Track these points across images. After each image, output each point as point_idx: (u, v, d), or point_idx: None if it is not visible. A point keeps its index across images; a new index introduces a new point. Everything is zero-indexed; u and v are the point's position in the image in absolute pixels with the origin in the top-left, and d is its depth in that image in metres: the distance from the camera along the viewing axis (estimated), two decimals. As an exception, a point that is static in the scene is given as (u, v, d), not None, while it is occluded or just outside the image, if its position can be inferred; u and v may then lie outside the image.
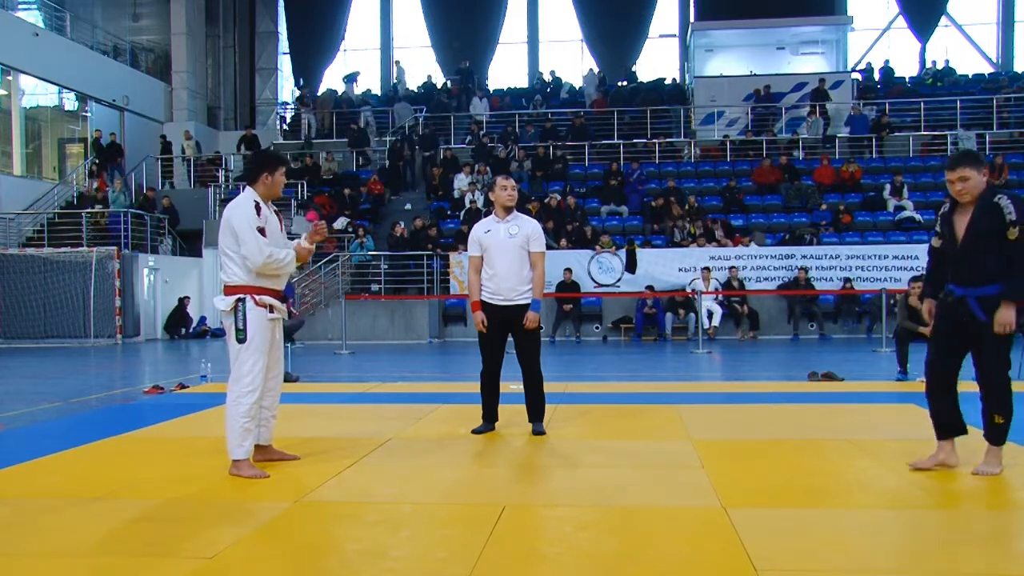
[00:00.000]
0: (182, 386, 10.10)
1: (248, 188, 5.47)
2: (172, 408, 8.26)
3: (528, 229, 6.43)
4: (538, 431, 6.56)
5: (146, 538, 4.11)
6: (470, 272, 6.58)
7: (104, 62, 25.78)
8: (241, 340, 5.25)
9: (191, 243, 22.42)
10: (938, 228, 5.25)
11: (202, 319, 21.04)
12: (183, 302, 20.51)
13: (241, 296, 5.28)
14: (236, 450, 5.28)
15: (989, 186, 5.06)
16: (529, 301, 6.39)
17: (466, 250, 17.45)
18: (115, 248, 19.26)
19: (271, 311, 5.34)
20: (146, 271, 20.18)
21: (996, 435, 5.07)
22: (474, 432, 6.60)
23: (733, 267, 17.82)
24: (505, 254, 6.37)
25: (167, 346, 18.42)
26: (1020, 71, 27.78)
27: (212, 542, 4.01)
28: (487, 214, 6.67)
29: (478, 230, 6.53)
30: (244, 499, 4.86)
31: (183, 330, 20.37)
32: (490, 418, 6.70)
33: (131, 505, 4.71)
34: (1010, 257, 4.87)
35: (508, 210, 6.47)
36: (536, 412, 6.61)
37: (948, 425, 5.21)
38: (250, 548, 3.97)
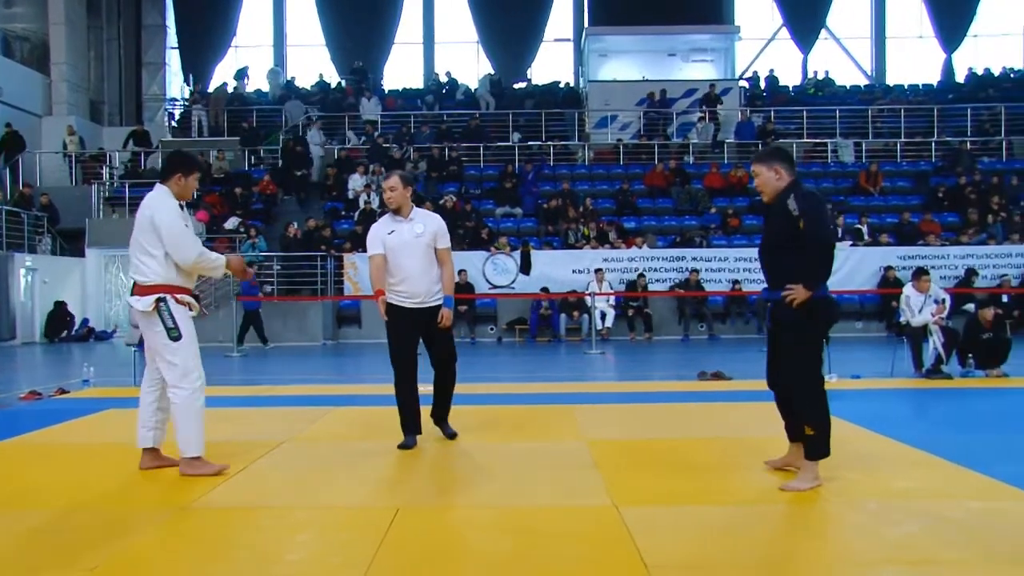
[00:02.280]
0: (62, 391, 9.69)
1: (160, 186, 5.42)
2: (51, 414, 7.91)
3: (434, 226, 6.24)
4: (450, 433, 6.42)
5: (22, 551, 3.94)
6: (372, 271, 6.22)
7: (-28, 49, 24.52)
8: (176, 338, 5.24)
9: (72, 243, 21.53)
10: None
11: (84, 321, 20.20)
12: (61, 306, 19.61)
13: (161, 296, 5.24)
14: (197, 447, 5.28)
15: (789, 186, 4.89)
16: (442, 300, 6.23)
17: (357, 251, 16.98)
18: (-12, 247, 18.37)
19: (190, 309, 5.37)
20: (23, 271, 19.27)
21: (809, 448, 4.83)
22: (401, 447, 6.10)
23: (641, 273, 18.11)
24: (414, 255, 6.12)
25: (46, 349, 17.65)
26: (892, 84, 29.11)
27: (94, 552, 3.87)
28: (382, 214, 6.48)
29: (379, 229, 6.23)
30: (129, 507, 4.71)
31: (64, 332, 19.50)
32: (414, 430, 6.22)
33: (7, 517, 4.51)
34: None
35: (407, 209, 6.21)
36: (446, 412, 6.46)
37: (789, 428, 5.13)
38: (135, 557, 3.85)
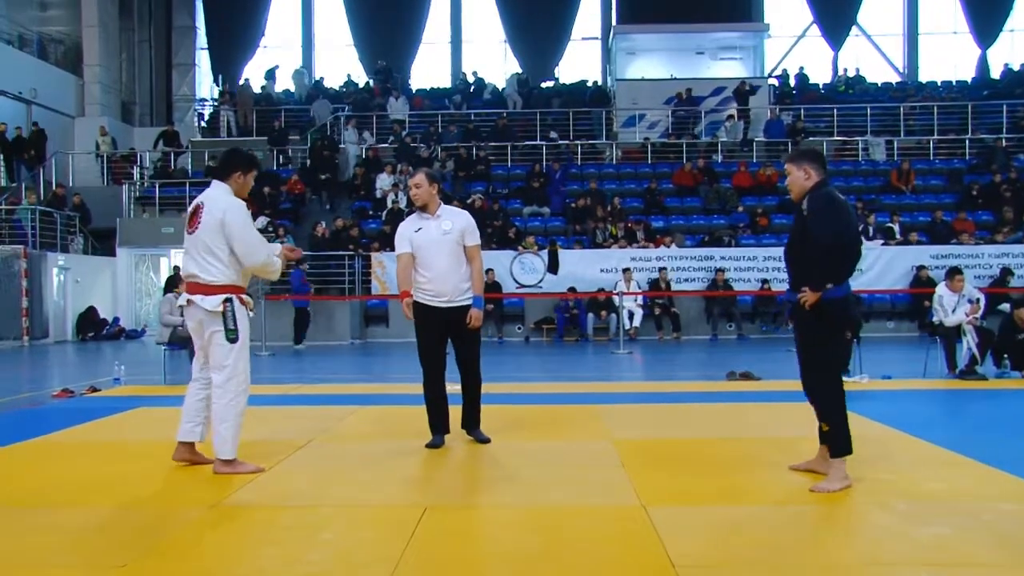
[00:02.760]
0: (93, 389, 9.80)
1: (221, 184, 5.48)
2: (83, 412, 8.01)
3: (462, 223, 6.16)
4: (481, 438, 6.33)
5: (52, 548, 3.98)
6: (399, 270, 6.23)
7: (8, 52, 24.85)
8: (233, 340, 5.33)
9: (104, 242, 21.81)
10: None
11: (115, 320, 20.45)
12: (91, 310, 19.86)
13: (228, 296, 5.32)
14: (232, 449, 5.34)
15: (815, 186, 4.92)
16: (472, 300, 6.17)
17: (385, 250, 17.02)
18: (22, 247, 18.61)
19: (249, 310, 5.47)
20: (55, 271, 19.54)
21: (830, 444, 4.89)
22: (428, 446, 6.15)
23: (663, 268, 18.05)
24: (441, 253, 6.06)
25: (78, 348, 17.88)
26: (924, 81, 28.78)
27: (124, 551, 3.91)
28: (410, 213, 6.47)
29: (407, 228, 6.20)
30: (158, 505, 4.76)
31: (93, 332, 19.72)
32: (442, 429, 6.25)
33: (38, 515, 4.56)
34: None
35: (434, 206, 6.17)
36: (476, 418, 6.39)
37: (820, 429, 5.06)
38: (163, 555, 3.89)
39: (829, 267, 4.78)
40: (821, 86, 27.96)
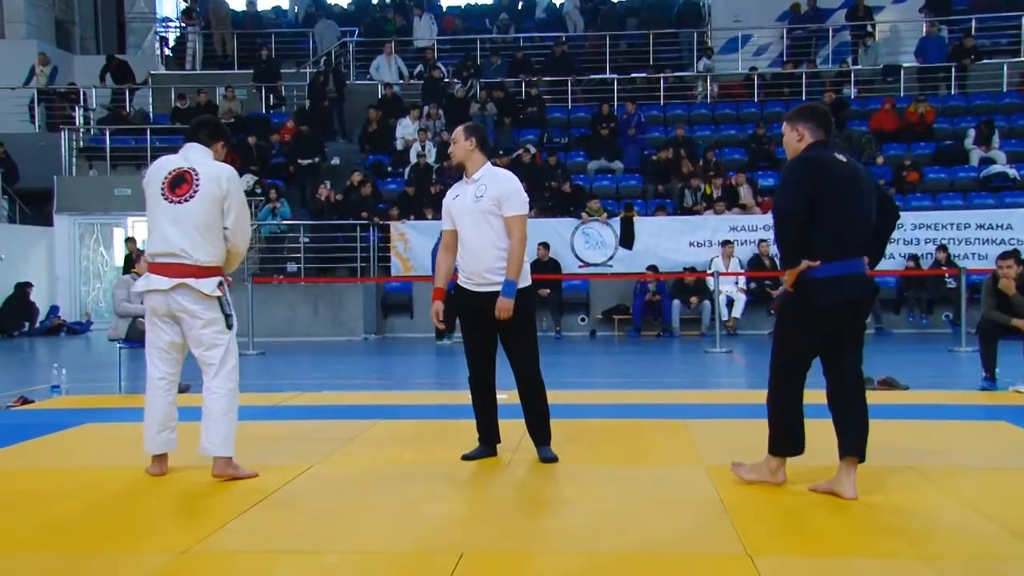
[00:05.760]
0: (25, 401, 9.93)
1: (204, 148, 6.14)
2: (11, 431, 8.07)
3: (498, 189, 6.35)
4: (547, 457, 6.51)
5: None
6: (439, 250, 6.66)
7: None
8: (232, 326, 6.07)
9: (36, 207, 21.87)
10: None
11: (53, 309, 20.62)
12: (24, 290, 19.96)
13: (221, 279, 6.02)
14: (231, 446, 6.00)
15: (804, 150, 5.57)
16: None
17: (408, 218, 17.34)
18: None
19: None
20: (-32, 244, 19.79)
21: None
22: (465, 458, 6.58)
23: (763, 240, 17.91)
24: (472, 224, 6.37)
25: (4, 346, 18.19)
26: None
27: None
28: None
29: (448, 196, 6.62)
30: (114, 552, 4.80)
31: (27, 324, 19.94)
32: (487, 439, 6.67)
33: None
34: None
35: (473, 167, 6.46)
36: (539, 431, 6.58)
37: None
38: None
39: (782, 240, 5.50)
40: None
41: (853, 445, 5.46)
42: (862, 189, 5.46)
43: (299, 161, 20.78)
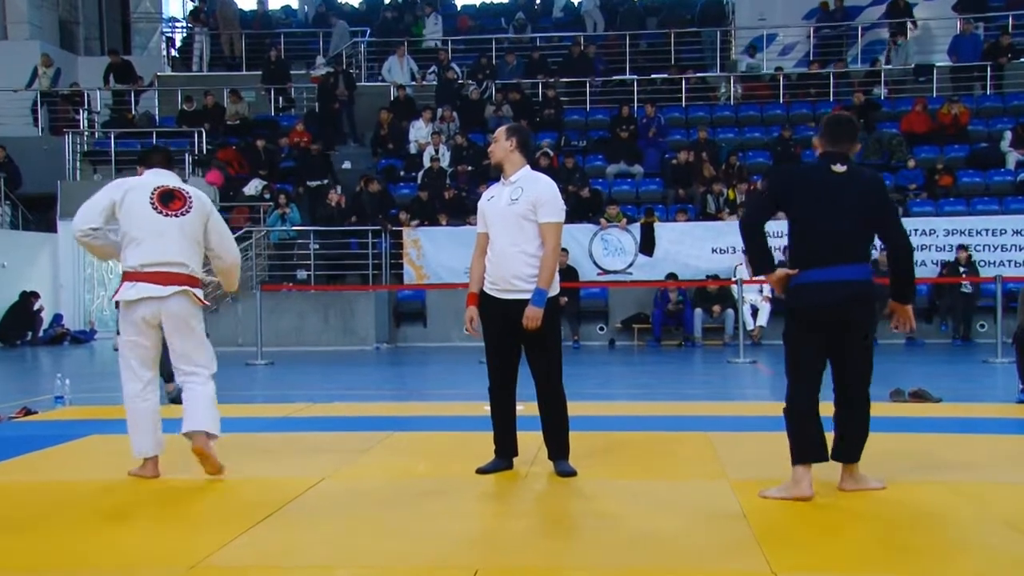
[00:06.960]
0: (28, 412, 9.98)
1: (171, 172, 6.76)
2: (14, 443, 8.11)
3: (534, 193, 6.35)
4: (565, 471, 6.48)
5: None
6: (474, 254, 6.71)
7: None
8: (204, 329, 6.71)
9: (40, 213, 21.99)
10: None
11: (56, 318, 20.69)
12: (28, 299, 20.00)
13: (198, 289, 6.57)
14: (217, 427, 6.51)
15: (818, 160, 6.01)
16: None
17: (421, 224, 17.39)
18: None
19: None
20: (-31, 251, 19.87)
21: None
22: (480, 471, 6.54)
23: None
24: (504, 227, 6.39)
25: (6, 356, 18.27)
26: None
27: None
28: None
29: (483, 197, 6.74)
30: (126, 566, 4.83)
31: (30, 334, 20.00)
32: (504, 452, 6.65)
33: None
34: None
35: (511, 168, 6.47)
36: (557, 445, 6.56)
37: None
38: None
39: (748, 250, 6.06)
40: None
41: (837, 449, 5.88)
42: (849, 198, 5.80)
43: (308, 183, 20.85)
